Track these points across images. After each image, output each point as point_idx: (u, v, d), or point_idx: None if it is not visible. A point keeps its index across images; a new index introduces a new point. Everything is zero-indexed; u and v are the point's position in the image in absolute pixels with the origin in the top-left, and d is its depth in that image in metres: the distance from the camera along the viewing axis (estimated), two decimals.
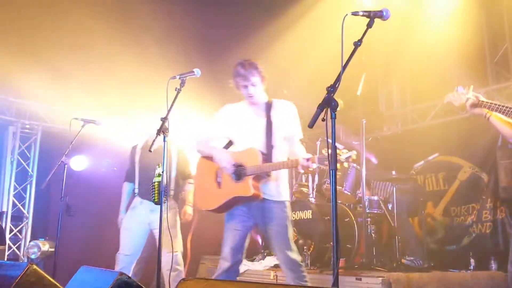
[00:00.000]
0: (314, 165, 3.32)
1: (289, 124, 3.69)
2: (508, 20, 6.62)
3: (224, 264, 3.60)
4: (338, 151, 3.04)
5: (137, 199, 4.90)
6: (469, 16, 6.55)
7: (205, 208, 3.75)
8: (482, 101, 3.46)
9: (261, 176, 3.51)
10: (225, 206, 3.61)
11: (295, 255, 3.51)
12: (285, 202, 3.62)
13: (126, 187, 5.12)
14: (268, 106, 3.71)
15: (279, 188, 3.61)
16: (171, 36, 7.07)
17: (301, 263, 3.54)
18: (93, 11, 6.71)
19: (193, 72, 3.72)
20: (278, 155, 3.58)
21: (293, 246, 3.54)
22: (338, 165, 3.03)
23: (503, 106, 3.30)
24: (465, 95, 3.57)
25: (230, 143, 3.82)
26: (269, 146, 3.58)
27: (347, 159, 3.11)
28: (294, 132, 3.70)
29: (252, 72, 3.60)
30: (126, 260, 4.71)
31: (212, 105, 7.32)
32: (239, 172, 3.54)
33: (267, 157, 3.53)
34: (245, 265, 5.73)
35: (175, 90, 3.65)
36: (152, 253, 5.52)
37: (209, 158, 3.75)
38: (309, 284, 3.57)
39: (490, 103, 3.41)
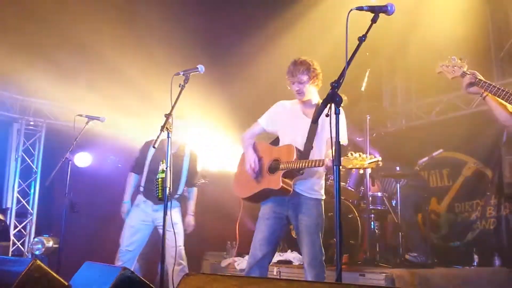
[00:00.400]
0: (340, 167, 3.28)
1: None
2: None
3: (255, 255, 3.65)
4: (363, 156, 3.09)
5: (141, 197, 4.89)
6: (474, 12, 6.51)
7: (240, 196, 3.89)
8: (480, 80, 3.21)
9: (293, 173, 3.56)
10: (257, 196, 3.73)
11: (320, 253, 3.56)
12: (319, 199, 3.68)
13: (132, 177, 5.08)
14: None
15: (313, 186, 3.66)
16: (175, 34, 7.07)
17: (324, 263, 3.58)
18: (98, 10, 6.71)
19: (197, 68, 3.72)
20: (316, 156, 3.60)
21: (320, 244, 3.57)
22: (361, 171, 3.04)
23: (503, 91, 3.12)
24: (461, 68, 3.29)
25: (278, 138, 3.90)
26: (309, 146, 3.62)
27: (370, 164, 3.09)
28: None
29: (300, 70, 3.65)
30: (129, 256, 4.73)
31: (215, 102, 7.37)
32: (273, 166, 3.65)
33: (303, 155, 3.57)
34: None
35: (179, 86, 3.65)
36: (154, 248, 5.54)
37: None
38: None
39: (489, 84, 3.18)
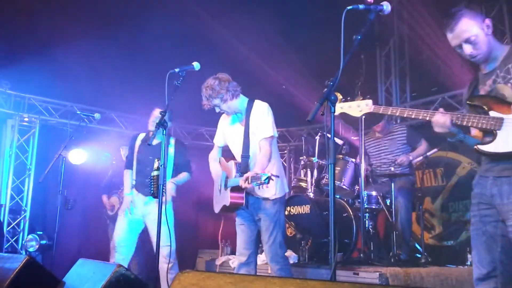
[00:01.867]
0: (252, 184, 3.31)
1: (258, 125, 3.72)
2: (509, 15, 6.60)
3: (240, 258, 3.83)
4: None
5: (134, 192, 4.84)
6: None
7: (215, 211, 4.00)
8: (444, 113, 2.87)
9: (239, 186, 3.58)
10: (224, 211, 3.85)
11: (280, 248, 3.68)
12: (275, 199, 3.73)
13: (127, 173, 4.92)
14: (248, 112, 3.78)
15: (264, 187, 3.59)
16: (172, 31, 7.06)
17: (285, 257, 3.73)
18: (94, 7, 6.70)
19: (192, 66, 3.72)
20: (253, 162, 3.68)
21: (280, 240, 3.68)
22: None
23: (469, 117, 2.81)
24: (367, 105, 3.07)
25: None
26: (246, 156, 3.70)
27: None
28: (258, 132, 3.70)
29: (211, 97, 3.71)
30: (121, 251, 4.68)
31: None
32: (225, 183, 3.77)
33: (242, 167, 3.66)
34: None
35: (175, 83, 3.64)
36: (147, 246, 5.54)
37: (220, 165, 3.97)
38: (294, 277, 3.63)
39: (457, 115, 2.84)
